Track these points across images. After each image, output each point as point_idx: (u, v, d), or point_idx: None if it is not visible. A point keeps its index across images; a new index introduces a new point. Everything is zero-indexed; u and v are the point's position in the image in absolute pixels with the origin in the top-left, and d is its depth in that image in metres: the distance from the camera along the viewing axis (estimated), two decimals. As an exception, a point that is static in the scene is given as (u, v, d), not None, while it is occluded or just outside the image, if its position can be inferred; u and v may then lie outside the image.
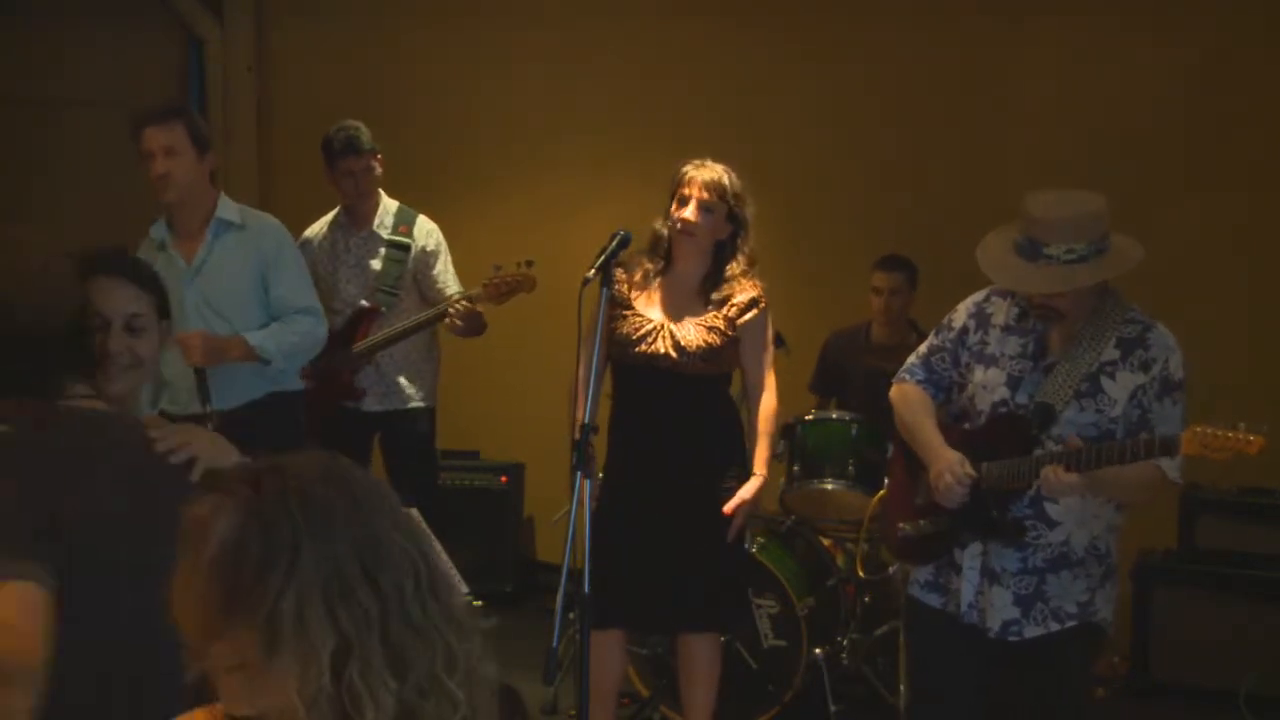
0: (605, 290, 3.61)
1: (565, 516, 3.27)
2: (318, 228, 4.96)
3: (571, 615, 3.85)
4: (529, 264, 4.56)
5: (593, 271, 3.47)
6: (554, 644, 3.15)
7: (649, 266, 3.88)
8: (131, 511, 1.97)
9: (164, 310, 2.31)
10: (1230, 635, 4.76)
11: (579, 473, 3.23)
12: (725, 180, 3.78)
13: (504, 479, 5.99)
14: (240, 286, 4.02)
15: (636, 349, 3.80)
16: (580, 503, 3.23)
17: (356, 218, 4.88)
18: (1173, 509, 4.92)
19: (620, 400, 3.97)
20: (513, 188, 6.31)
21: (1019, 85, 5.61)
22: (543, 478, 5.84)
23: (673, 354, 3.76)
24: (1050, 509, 3.02)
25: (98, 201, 6.49)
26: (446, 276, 4.86)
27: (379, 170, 4.84)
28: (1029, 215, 2.94)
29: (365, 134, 4.77)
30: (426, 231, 4.88)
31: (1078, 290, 2.94)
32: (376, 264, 4.85)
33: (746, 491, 3.83)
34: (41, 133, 6.58)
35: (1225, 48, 5.27)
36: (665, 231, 3.86)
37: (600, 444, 3.88)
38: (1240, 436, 2.68)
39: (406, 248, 4.84)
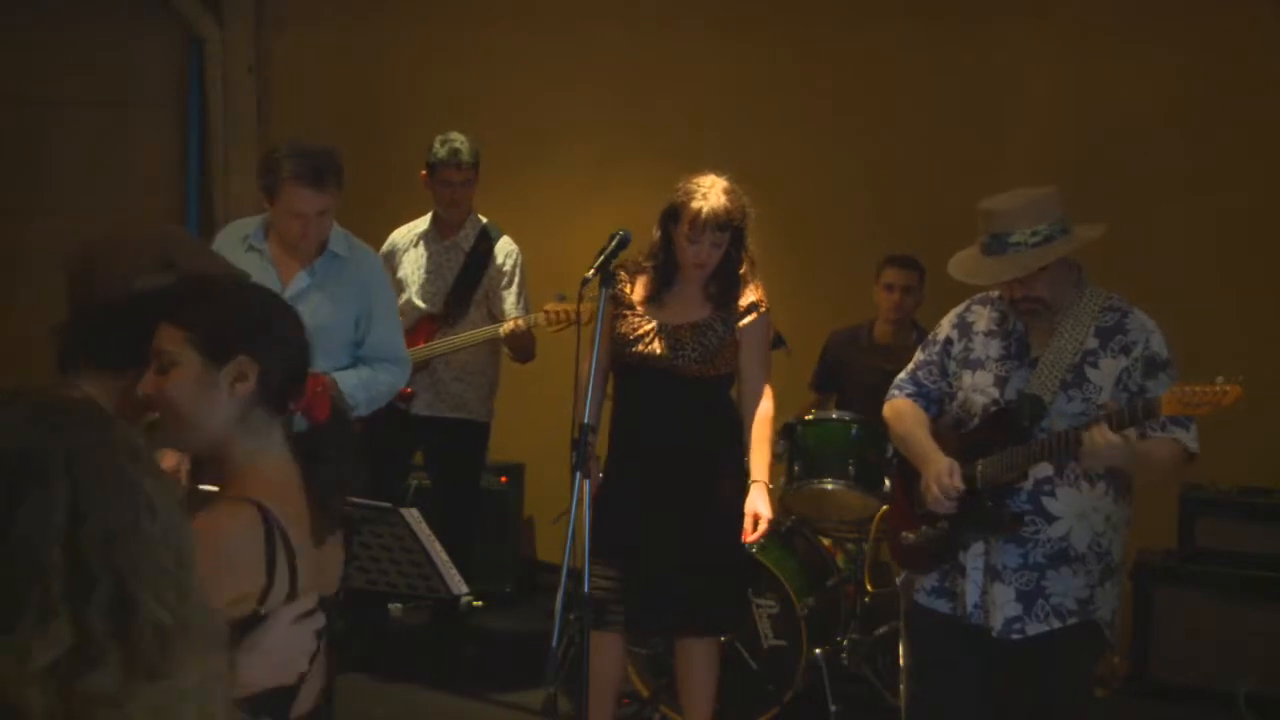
0: (605, 290, 3.62)
1: (565, 516, 3.27)
2: (406, 230, 5.06)
3: (571, 615, 3.86)
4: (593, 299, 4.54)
5: (592, 271, 3.47)
6: (554, 644, 3.15)
7: (654, 281, 3.85)
8: None
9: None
10: (1230, 635, 4.76)
11: (579, 473, 3.24)
12: (731, 205, 3.71)
13: (504, 479, 5.98)
14: (334, 326, 3.85)
15: (633, 349, 3.81)
16: (580, 503, 3.23)
17: (444, 226, 4.98)
18: (1173, 509, 4.92)
19: (619, 401, 3.97)
20: (512, 188, 6.30)
21: (1019, 85, 5.61)
22: (543, 478, 5.84)
23: (668, 354, 3.77)
24: (1049, 503, 3.04)
25: (98, 201, 6.50)
26: (512, 298, 4.92)
27: (474, 184, 4.93)
28: (988, 212, 3.04)
29: (469, 148, 4.85)
30: (506, 252, 4.96)
31: (1055, 277, 3.00)
32: (452, 275, 4.93)
33: (761, 506, 3.80)
34: (41, 133, 6.58)
35: (1225, 45, 5.27)
36: (663, 246, 3.81)
37: (601, 445, 3.89)
38: (1217, 389, 2.73)
39: (484, 265, 4.92)
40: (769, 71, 5.97)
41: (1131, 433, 2.92)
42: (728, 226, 3.72)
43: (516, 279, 4.95)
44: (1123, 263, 4.74)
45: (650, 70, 6.11)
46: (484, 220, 5.02)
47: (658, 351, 3.77)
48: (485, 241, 4.96)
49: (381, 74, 6.46)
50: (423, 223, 5.05)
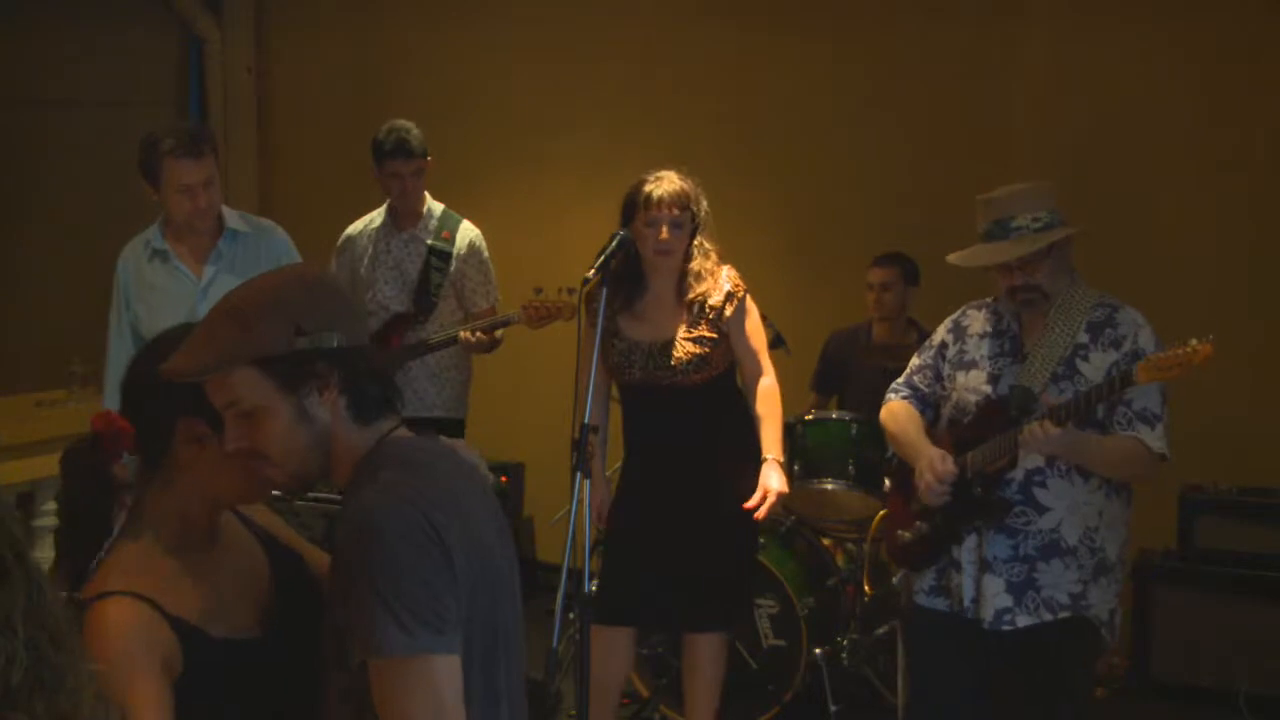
0: (604, 290, 3.61)
1: (565, 516, 3.27)
2: (362, 224, 4.88)
3: (571, 615, 3.85)
4: (570, 291, 4.49)
5: (593, 271, 3.47)
6: (554, 644, 3.16)
7: (622, 295, 3.82)
8: (497, 538, 1.90)
9: None
10: (1230, 635, 4.76)
11: (579, 473, 3.24)
12: (685, 188, 3.74)
13: (504, 479, 5.98)
14: None
15: (629, 371, 3.81)
16: (580, 503, 3.23)
17: (400, 219, 4.78)
18: (1173, 509, 4.92)
19: (627, 412, 3.97)
20: (512, 187, 6.32)
21: (1021, 82, 5.61)
22: (543, 478, 5.85)
23: (666, 373, 3.77)
24: (1039, 494, 3.06)
25: (97, 201, 6.51)
26: (485, 287, 4.79)
27: (426, 173, 4.73)
28: (988, 201, 3.13)
29: (416, 136, 4.64)
30: (469, 239, 4.78)
31: (1054, 269, 3.08)
32: (416, 268, 4.74)
33: (773, 481, 3.79)
34: (41, 133, 6.59)
35: (1232, 32, 5.25)
36: (631, 251, 3.79)
37: (614, 446, 3.90)
38: (1188, 350, 2.76)
39: (447, 255, 4.74)
40: (770, 71, 5.96)
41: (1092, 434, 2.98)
42: (686, 207, 3.72)
43: (483, 264, 4.80)
44: (1122, 255, 4.74)
45: (651, 68, 6.12)
46: (441, 207, 4.83)
47: (655, 371, 3.77)
48: (445, 230, 4.77)
49: (381, 73, 6.46)
50: (378, 215, 4.85)
